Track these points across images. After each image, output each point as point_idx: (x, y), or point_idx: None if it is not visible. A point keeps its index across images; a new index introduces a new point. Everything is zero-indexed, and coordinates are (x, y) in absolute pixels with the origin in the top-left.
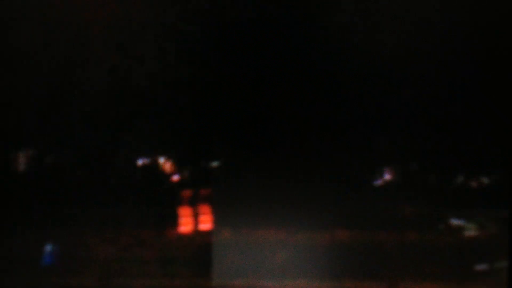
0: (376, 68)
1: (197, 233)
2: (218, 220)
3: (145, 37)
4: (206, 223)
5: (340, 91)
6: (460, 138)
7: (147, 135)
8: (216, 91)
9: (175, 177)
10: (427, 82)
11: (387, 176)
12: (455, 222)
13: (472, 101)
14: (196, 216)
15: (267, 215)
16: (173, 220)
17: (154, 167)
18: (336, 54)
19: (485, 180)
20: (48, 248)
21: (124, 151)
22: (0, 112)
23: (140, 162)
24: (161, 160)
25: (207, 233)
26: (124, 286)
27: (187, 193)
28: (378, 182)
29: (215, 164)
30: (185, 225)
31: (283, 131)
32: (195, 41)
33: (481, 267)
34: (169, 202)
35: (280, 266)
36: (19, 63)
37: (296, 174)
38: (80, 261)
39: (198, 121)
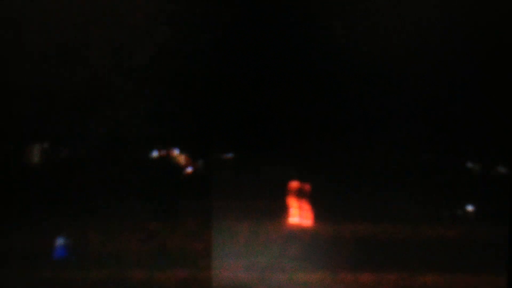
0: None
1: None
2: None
3: (156, 35)
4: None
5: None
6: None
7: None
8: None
9: (189, 169)
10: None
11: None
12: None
13: (474, 101)
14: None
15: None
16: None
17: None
18: (343, 54)
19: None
20: (60, 241)
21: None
22: (14, 106)
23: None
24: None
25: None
26: (124, 278)
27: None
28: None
29: (229, 155)
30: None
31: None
32: (208, 41)
33: None
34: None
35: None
36: (33, 60)
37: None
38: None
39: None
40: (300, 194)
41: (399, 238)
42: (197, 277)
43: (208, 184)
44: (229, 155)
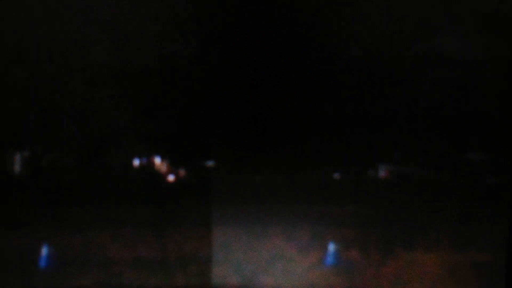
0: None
1: None
2: None
3: (144, 37)
4: None
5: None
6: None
7: (144, 135)
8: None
9: (170, 177)
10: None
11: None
12: None
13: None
14: None
15: None
16: None
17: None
18: (341, 55)
19: None
20: (44, 250)
21: (121, 151)
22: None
23: (136, 162)
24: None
25: None
26: (120, 286)
27: None
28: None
29: (210, 164)
30: None
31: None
32: (197, 43)
33: None
34: None
35: None
36: (18, 66)
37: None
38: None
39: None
40: None
41: None
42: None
43: (190, 191)
44: (210, 163)
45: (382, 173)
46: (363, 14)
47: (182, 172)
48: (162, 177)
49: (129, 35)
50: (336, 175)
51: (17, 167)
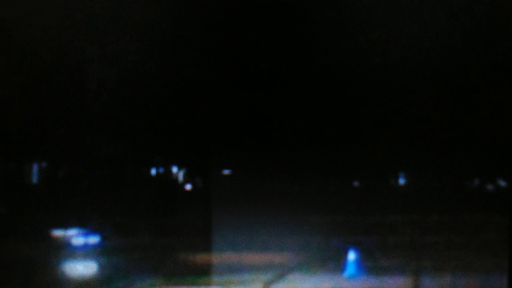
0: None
1: None
2: None
3: (151, 47)
4: None
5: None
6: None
7: (160, 145)
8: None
9: (188, 186)
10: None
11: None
12: None
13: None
14: None
15: None
16: None
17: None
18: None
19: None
20: None
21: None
22: (13, 124)
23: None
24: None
25: None
26: None
27: None
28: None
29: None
30: None
31: None
32: (205, 53)
33: None
34: None
35: None
36: (31, 77)
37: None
38: None
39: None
40: None
41: None
42: None
43: (207, 201)
44: (227, 172)
45: (402, 181)
46: (392, 25)
47: (198, 181)
48: (178, 186)
49: (150, 47)
50: (356, 184)
51: (34, 178)
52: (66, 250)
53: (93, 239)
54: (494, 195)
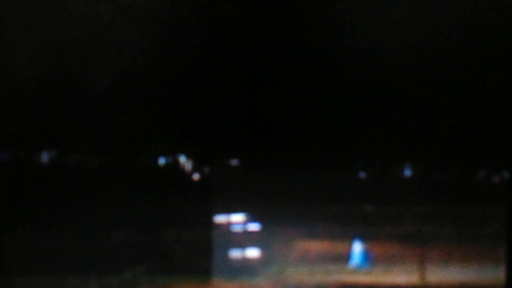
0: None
1: None
2: None
3: (166, 41)
4: None
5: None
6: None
7: (168, 134)
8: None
9: (195, 176)
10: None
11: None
12: None
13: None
14: None
15: None
16: None
17: None
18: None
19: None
20: None
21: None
22: (24, 112)
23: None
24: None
25: None
26: None
27: None
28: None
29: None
30: None
31: None
32: (218, 50)
33: None
34: None
35: None
36: (43, 67)
37: None
38: None
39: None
40: None
41: None
42: None
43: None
44: (235, 161)
45: (407, 172)
46: (393, 21)
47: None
48: (186, 175)
49: (157, 39)
50: (362, 175)
51: (43, 165)
52: (228, 235)
53: (254, 227)
54: (500, 187)
